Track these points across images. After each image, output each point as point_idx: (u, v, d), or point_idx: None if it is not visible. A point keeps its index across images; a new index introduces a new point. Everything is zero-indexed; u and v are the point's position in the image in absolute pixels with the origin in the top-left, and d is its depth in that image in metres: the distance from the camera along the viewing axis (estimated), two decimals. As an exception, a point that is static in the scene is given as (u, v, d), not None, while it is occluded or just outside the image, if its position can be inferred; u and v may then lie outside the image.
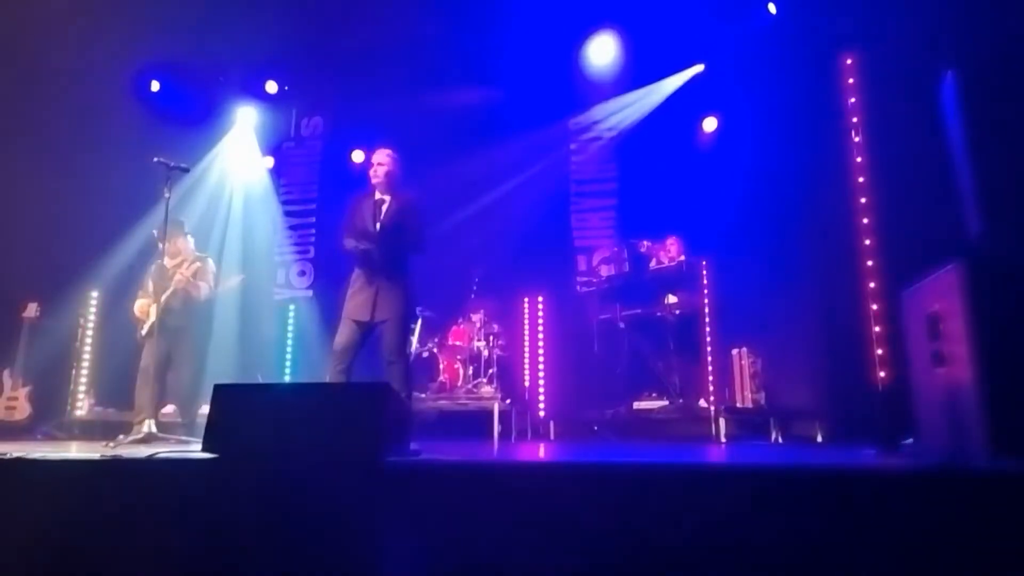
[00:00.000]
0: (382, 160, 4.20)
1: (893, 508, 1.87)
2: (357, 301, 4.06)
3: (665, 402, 5.86)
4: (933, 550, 1.81)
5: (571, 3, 6.64)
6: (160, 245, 5.13)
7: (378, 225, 4.11)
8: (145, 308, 5.04)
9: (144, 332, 5.00)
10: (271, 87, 8.18)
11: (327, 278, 7.82)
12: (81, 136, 6.80)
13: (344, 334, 4.03)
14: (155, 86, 7.70)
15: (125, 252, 6.70)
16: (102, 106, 6.91)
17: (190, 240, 5.25)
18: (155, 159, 4.55)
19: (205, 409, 4.93)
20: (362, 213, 4.18)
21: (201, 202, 7.71)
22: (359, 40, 7.08)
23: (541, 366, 6.56)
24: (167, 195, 4.60)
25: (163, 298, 4.92)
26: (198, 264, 5.10)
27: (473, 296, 6.82)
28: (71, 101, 6.77)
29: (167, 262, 5.13)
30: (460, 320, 6.73)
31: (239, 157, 8.37)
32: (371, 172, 4.22)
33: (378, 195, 4.21)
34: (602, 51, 7.33)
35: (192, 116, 7.79)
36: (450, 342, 6.63)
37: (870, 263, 3.59)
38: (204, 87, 7.96)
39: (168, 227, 5.08)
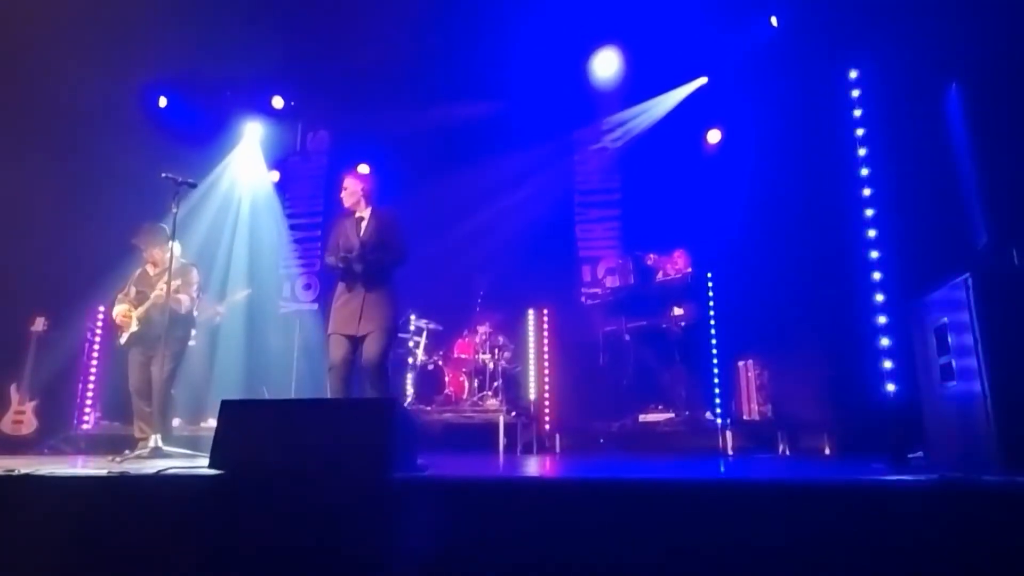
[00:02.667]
0: (347, 185, 4.45)
1: (902, 522, 1.85)
2: (343, 315, 4.18)
3: (671, 414, 5.84)
4: (942, 565, 1.79)
5: (576, 17, 6.67)
6: (143, 254, 5.15)
7: (360, 243, 4.26)
8: (123, 313, 5.00)
9: (123, 341, 4.99)
10: (277, 102, 8.24)
11: (333, 291, 7.84)
12: (89, 151, 6.86)
13: (337, 349, 4.11)
14: (163, 102, 7.78)
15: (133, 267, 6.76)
16: (110, 122, 6.98)
17: (175, 247, 4.88)
18: (163, 174, 4.60)
19: (211, 423, 4.96)
20: (344, 232, 4.37)
21: (208, 216, 7.76)
22: (365, 55, 7.13)
23: (547, 378, 6.54)
24: (175, 210, 4.64)
25: (143, 310, 4.94)
26: (179, 281, 4.90)
27: (478, 308, 6.81)
28: (80, 117, 6.84)
29: (150, 270, 5.14)
30: (465, 332, 6.72)
31: (246, 172, 8.43)
32: (341, 196, 4.46)
33: (358, 214, 4.41)
34: (606, 64, 7.36)
35: (199, 131, 7.86)
36: (455, 354, 6.62)
37: (877, 275, 3.58)
38: (211, 102, 8.02)
39: (149, 235, 5.08)
